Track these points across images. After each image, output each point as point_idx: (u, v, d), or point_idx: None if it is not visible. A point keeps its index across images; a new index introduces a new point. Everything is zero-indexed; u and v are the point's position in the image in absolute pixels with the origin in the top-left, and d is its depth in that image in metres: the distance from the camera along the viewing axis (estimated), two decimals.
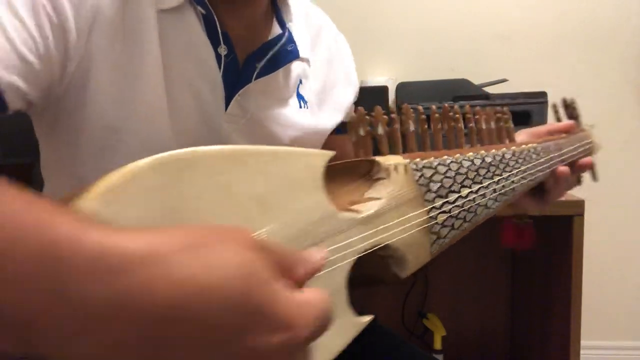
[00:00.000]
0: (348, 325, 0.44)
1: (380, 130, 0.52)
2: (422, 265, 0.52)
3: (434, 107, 0.59)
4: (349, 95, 0.72)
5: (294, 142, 0.63)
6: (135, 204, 0.32)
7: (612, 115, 1.61)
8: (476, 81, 1.29)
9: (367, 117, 0.52)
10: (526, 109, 1.14)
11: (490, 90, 1.28)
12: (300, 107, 0.64)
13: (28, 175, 0.70)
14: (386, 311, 1.45)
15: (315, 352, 0.41)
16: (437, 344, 1.46)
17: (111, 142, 0.53)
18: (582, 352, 1.10)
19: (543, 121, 1.13)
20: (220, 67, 0.57)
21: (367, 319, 0.45)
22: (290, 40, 0.62)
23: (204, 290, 0.26)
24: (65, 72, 0.50)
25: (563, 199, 0.79)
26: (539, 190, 0.72)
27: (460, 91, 1.20)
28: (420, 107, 0.57)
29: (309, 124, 0.65)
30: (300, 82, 0.65)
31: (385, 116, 0.53)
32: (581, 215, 1.06)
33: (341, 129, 0.71)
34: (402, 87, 1.28)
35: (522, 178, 0.65)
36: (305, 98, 0.65)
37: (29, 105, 0.48)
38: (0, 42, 0.43)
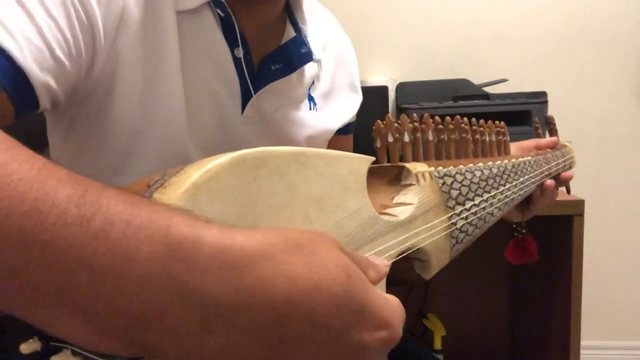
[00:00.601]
0: None
1: (407, 138, 0.54)
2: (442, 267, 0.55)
3: (448, 118, 0.61)
4: (354, 99, 0.74)
5: (309, 142, 0.64)
6: (217, 201, 0.32)
7: (612, 115, 1.61)
8: (476, 81, 1.30)
9: (395, 125, 0.53)
10: (526, 109, 1.15)
11: (490, 90, 1.29)
12: (310, 108, 0.65)
13: None
14: None
15: None
16: (437, 344, 1.46)
17: (133, 145, 0.52)
18: (582, 352, 1.12)
19: (542, 121, 1.17)
20: (237, 70, 0.57)
21: None
22: (304, 42, 0.63)
23: (315, 287, 0.26)
24: (92, 73, 0.49)
25: (562, 199, 0.83)
26: (523, 201, 0.76)
27: (460, 91, 1.22)
28: (437, 118, 0.60)
29: (317, 123, 0.66)
30: (313, 83, 0.66)
31: (410, 125, 0.55)
32: (581, 215, 1.07)
33: (345, 130, 0.72)
34: (402, 87, 1.29)
35: (520, 189, 0.69)
36: (315, 100, 0.67)
37: (55, 105, 0.47)
38: (38, 42, 0.42)
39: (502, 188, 0.65)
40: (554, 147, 0.84)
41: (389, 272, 0.53)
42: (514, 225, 0.83)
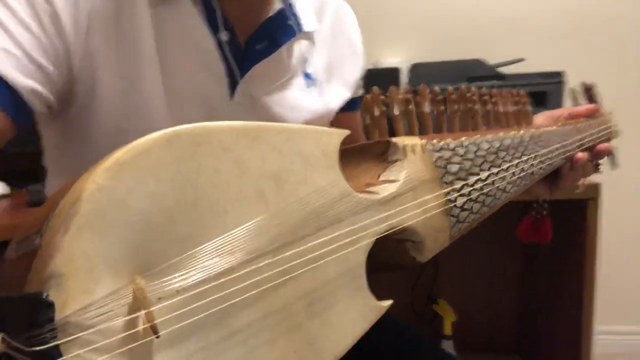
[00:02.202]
0: (368, 310, 0.42)
1: (396, 110, 0.51)
2: (442, 249, 0.51)
3: (450, 88, 0.57)
4: (356, 69, 0.69)
5: (305, 124, 0.61)
6: (149, 178, 0.31)
7: (631, 97, 1.54)
8: (491, 61, 1.25)
9: (381, 97, 0.50)
10: (542, 90, 1.11)
11: (505, 70, 1.24)
12: (308, 86, 0.62)
13: (34, 163, 0.69)
14: (395, 296, 1.40)
15: (339, 336, 0.40)
16: (447, 330, 1.43)
17: (118, 142, 0.52)
18: (598, 337, 1.07)
19: (559, 102, 1.10)
20: (221, 55, 0.55)
21: (386, 303, 0.44)
22: (292, 14, 0.58)
23: None
24: (72, 74, 0.49)
25: (580, 184, 0.77)
26: (552, 175, 0.70)
27: (474, 72, 1.17)
28: (436, 89, 0.55)
29: (318, 103, 0.63)
30: (306, 59, 0.63)
31: (400, 96, 0.51)
32: (596, 199, 1.02)
33: (349, 106, 0.69)
34: (415, 68, 1.25)
35: (541, 162, 0.63)
36: (312, 76, 0.63)
37: (50, 108, 0.48)
38: (16, 52, 0.43)
39: (517, 161, 0.59)
40: (590, 115, 0.76)
41: (378, 257, 0.50)
42: (534, 205, 0.76)
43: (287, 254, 0.37)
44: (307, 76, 0.63)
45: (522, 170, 0.60)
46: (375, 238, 0.43)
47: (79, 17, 0.47)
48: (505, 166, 0.57)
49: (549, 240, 0.80)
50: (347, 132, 0.43)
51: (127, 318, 0.29)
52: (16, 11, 0.44)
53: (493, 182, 0.56)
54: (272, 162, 0.37)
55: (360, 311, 0.41)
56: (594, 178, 1.03)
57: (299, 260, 0.37)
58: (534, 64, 1.28)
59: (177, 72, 0.53)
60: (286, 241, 0.37)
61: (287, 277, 0.36)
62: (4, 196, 1.00)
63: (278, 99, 0.59)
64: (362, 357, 0.60)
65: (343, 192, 0.41)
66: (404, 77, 1.28)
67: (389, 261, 0.51)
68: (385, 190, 0.46)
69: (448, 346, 1.41)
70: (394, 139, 0.49)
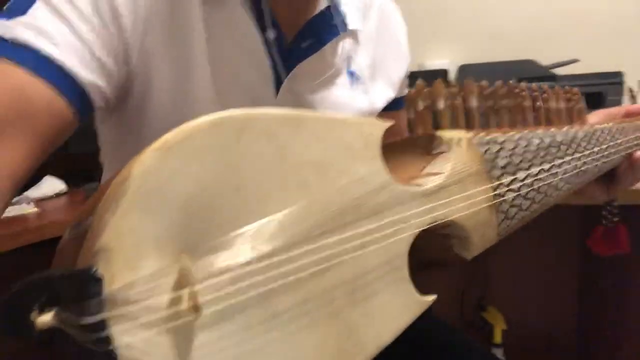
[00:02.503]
0: (411, 303, 0.41)
1: (441, 104, 0.50)
2: (489, 247, 0.49)
3: (498, 83, 0.55)
4: (401, 67, 0.69)
5: None
6: (194, 162, 0.32)
7: None
8: (544, 62, 1.20)
9: (425, 90, 0.49)
10: (599, 90, 1.05)
11: (559, 71, 1.19)
12: (352, 84, 0.62)
13: (92, 163, 0.72)
14: (444, 303, 1.36)
15: (381, 327, 0.39)
16: (497, 338, 1.38)
17: None
18: None
19: (618, 103, 1.04)
20: (268, 53, 0.56)
21: (430, 298, 0.43)
22: (336, 13, 0.59)
23: None
24: (129, 72, 0.51)
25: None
26: (609, 176, 0.67)
27: (525, 73, 1.13)
28: (484, 83, 0.54)
29: (362, 102, 0.63)
30: (351, 57, 0.63)
31: (445, 90, 0.50)
32: None
33: (393, 105, 0.68)
34: (463, 70, 1.23)
35: (595, 160, 0.60)
36: (357, 74, 0.63)
37: (107, 104, 0.50)
38: (78, 46, 0.44)
39: (569, 158, 0.57)
40: None
41: (422, 253, 0.49)
42: (603, 212, 0.73)
43: (328, 241, 0.37)
44: (351, 74, 0.63)
45: (575, 167, 0.58)
46: (418, 230, 0.42)
47: (138, 15, 0.48)
48: (557, 162, 0.55)
49: (627, 249, 0.75)
50: (391, 122, 0.42)
51: (171, 296, 0.30)
52: (79, 6, 0.45)
53: (544, 179, 0.54)
54: (314, 150, 0.37)
55: (402, 304, 0.41)
56: None
57: (339, 249, 0.37)
58: (589, 64, 1.22)
59: (226, 71, 0.54)
60: (327, 229, 0.37)
61: (328, 264, 0.36)
62: (62, 194, 1.05)
63: (322, 97, 0.60)
64: (412, 357, 0.58)
65: (384, 183, 0.41)
66: (451, 79, 1.26)
67: (435, 258, 0.50)
68: (430, 182, 0.45)
69: (498, 354, 1.36)
70: (438, 132, 0.48)
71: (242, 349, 0.32)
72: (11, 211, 0.88)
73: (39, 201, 0.98)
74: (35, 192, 0.99)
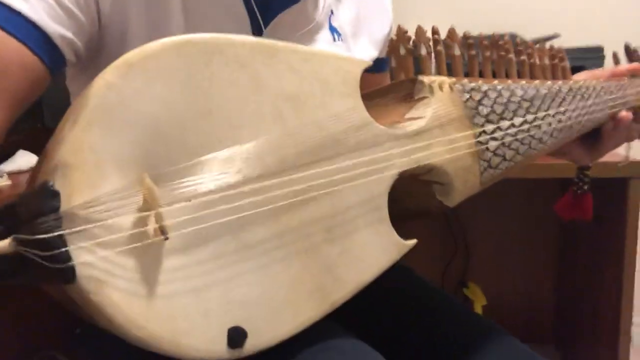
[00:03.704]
0: (391, 245, 0.40)
1: (423, 50, 0.49)
2: (471, 195, 0.48)
3: (482, 33, 0.54)
4: (384, 25, 0.67)
5: None
6: (157, 82, 0.30)
7: None
8: (526, 36, 1.21)
9: (407, 35, 0.48)
10: (581, 64, 1.06)
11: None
12: (334, 40, 0.60)
13: None
14: (426, 278, 1.37)
15: (360, 266, 0.38)
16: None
17: None
18: (633, 329, 1.00)
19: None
20: (245, 3, 0.54)
21: (411, 242, 0.42)
22: None
23: None
24: (101, 24, 0.49)
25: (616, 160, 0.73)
26: (593, 138, 0.66)
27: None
28: (468, 31, 0.53)
29: None
30: (332, 12, 0.61)
31: (428, 36, 0.49)
32: (639, 178, 0.96)
33: (378, 66, 0.66)
34: None
35: (580, 115, 0.60)
36: (339, 30, 0.61)
37: (78, 57, 0.48)
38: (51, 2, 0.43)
39: (553, 111, 0.56)
40: (634, 74, 0.72)
41: (405, 202, 0.48)
42: (575, 179, 0.72)
43: (304, 174, 0.35)
44: (333, 30, 0.62)
45: (560, 121, 0.57)
46: (399, 171, 0.41)
47: None
48: (540, 114, 0.54)
49: (590, 217, 0.75)
50: (367, 62, 0.41)
51: (135, 216, 0.28)
52: None
53: (528, 130, 0.53)
54: (289, 82, 0.36)
55: (382, 245, 0.40)
56: (638, 155, 0.97)
57: (316, 182, 0.36)
58: (572, 39, 1.23)
59: (202, 22, 0.53)
60: (303, 162, 0.36)
61: (302, 198, 0.35)
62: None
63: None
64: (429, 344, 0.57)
65: (364, 121, 0.40)
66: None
67: (418, 206, 0.49)
68: (411, 125, 0.44)
69: None
70: (420, 77, 0.47)
71: (212, 278, 0.31)
72: None
73: (12, 174, 0.96)
74: (9, 165, 0.96)
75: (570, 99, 0.59)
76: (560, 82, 0.59)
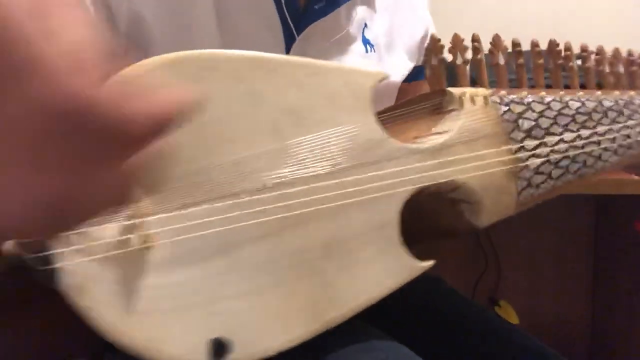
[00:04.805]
0: (399, 266, 0.38)
1: (460, 59, 0.46)
2: (506, 216, 0.44)
3: (535, 39, 0.50)
4: (416, 32, 0.64)
5: None
6: None
7: None
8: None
9: (440, 44, 0.46)
10: None
11: None
12: (367, 51, 0.59)
13: None
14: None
15: (360, 287, 0.37)
16: None
17: None
18: None
19: None
20: (279, 13, 0.55)
21: (426, 264, 0.39)
22: None
23: None
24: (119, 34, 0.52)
25: None
26: None
27: None
28: (516, 39, 0.49)
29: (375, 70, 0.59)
30: (366, 25, 0.60)
31: (465, 44, 0.46)
32: None
33: (415, 74, 0.64)
34: None
35: None
36: (372, 41, 0.60)
37: None
38: None
39: (619, 126, 0.50)
40: None
41: (432, 220, 0.46)
42: None
43: (299, 189, 0.35)
44: (366, 42, 0.60)
45: (628, 137, 0.50)
46: (414, 188, 0.39)
47: None
48: (601, 129, 0.49)
49: None
50: (383, 74, 0.40)
51: (121, 224, 0.30)
52: None
53: (583, 147, 0.47)
54: (291, 96, 0.36)
55: (389, 266, 0.38)
56: None
57: (310, 198, 0.35)
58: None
59: (235, 29, 0.54)
60: (301, 176, 0.35)
61: (298, 212, 0.35)
62: None
63: (333, 61, 0.57)
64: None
65: (374, 136, 0.38)
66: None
67: (445, 225, 0.46)
68: (433, 140, 0.41)
69: None
70: (449, 88, 0.44)
71: (199, 288, 0.32)
72: None
73: None
74: None
75: None
76: (632, 93, 0.52)
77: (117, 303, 0.30)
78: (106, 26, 0.50)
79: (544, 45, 0.51)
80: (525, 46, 0.49)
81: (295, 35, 0.55)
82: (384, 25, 0.61)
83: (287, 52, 0.55)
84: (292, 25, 0.55)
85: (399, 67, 0.60)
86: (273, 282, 0.34)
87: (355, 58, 0.58)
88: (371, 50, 0.59)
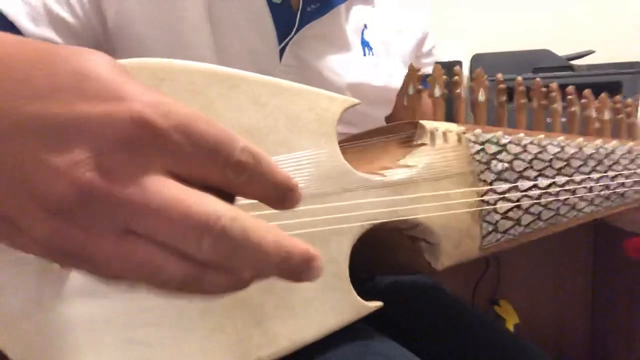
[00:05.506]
0: (344, 305, 0.37)
1: (437, 92, 0.44)
2: (468, 260, 0.43)
3: (519, 78, 0.48)
4: (410, 40, 0.63)
5: (354, 91, 0.56)
6: None
7: None
8: (560, 52, 1.12)
9: (418, 74, 0.44)
10: (617, 80, 0.97)
11: (575, 62, 1.13)
12: (365, 54, 0.57)
13: None
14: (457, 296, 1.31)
15: (300, 324, 0.35)
16: None
17: None
18: None
19: (635, 92, 0.94)
20: (273, 16, 0.53)
21: (373, 305, 0.38)
22: None
23: None
24: (107, 28, 0.50)
25: None
26: None
27: (541, 63, 1.06)
28: (500, 76, 0.47)
29: (372, 73, 0.58)
30: (365, 26, 0.58)
31: (445, 77, 0.45)
32: None
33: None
34: (477, 59, 1.16)
35: (637, 183, 0.51)
36: (371, 44, 0.58)
37: None
38: (33, 1, 0.46)
39: (598, 175, 0.48)
40: None
41: (395, 255, 0.44)
42: None
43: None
44: (365, 44, 0.59)
45: (607, 187, 0.49)
46: (371, 223, 0.37)
47: None
48: (577, 178, 0.47)
49: None
50: (351, 101, 0.38)
51: None
52: None
53: (557, 194, 0.46)
54: (249, 114, 0.34)
55: (333, 304, 0.36)
56: None
57: None
58: (607, 56, 1.12)
59: (227, 31, 0.52)
60: (250, 202, 0.33)
61: None
62: None
63: (330, 64, 0.55)
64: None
65: (335, 165, 0.36)
66: (466, 70, 1.17)
67: (405, 262, 0.44)
68: (396, 174, 0.39)
69: None
70: (422, 121, 0.42)
71: (114, 314, 0.30)
72: None
73: None
74: None
75: (627, 163, 0.50)
76: (614, 142, 0.51)
77: (21, 319, 0.28)
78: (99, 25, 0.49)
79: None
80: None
81: (289, 37, 0.53)
82: (384, 28, 0.60)
83: (281, 54, 0.53)
84: (285, 27, 0.53)
85: (397, 74, 0.58)
86: (200, 314, 0.32)
87: (352, 58, 0.56)
88: (369, 53, 0.57)
